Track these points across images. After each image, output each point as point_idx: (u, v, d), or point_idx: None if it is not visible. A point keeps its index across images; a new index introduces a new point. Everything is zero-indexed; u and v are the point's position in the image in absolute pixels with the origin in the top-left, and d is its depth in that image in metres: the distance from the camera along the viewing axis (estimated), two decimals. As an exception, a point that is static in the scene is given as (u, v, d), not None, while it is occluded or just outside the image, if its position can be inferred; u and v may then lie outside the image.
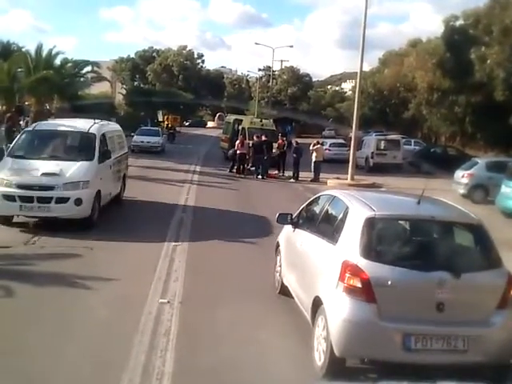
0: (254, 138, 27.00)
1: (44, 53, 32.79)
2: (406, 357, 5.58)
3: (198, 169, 27.83)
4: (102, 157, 13.14)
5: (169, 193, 18.95)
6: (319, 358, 6.08)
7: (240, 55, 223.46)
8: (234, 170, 26.80)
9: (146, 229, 12.75)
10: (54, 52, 33.34)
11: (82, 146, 13.39)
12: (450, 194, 18.85)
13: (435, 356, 5.62)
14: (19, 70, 31.09)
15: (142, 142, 35.82)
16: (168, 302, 7.99)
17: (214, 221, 14.69)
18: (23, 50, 33.47)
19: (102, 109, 42.26)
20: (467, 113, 39.65)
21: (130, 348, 6.40)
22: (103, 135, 13.74)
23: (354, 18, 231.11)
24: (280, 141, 28.23)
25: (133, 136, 36.02)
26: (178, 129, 73.45)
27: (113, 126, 16.32)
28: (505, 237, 10.39)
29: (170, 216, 14.62)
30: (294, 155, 26.51)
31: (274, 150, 27.14)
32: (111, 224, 13.05)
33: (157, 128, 41.32)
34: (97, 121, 14.47)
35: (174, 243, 11.43)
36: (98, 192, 12.62)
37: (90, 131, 13.48)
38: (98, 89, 48.44)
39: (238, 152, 26.86)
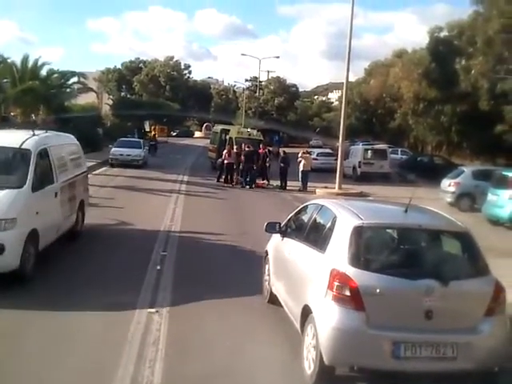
0: (245, 147, 27.02)
1: (30, 63, 32.72)
2: (396, 365, 5.58)
3: (185, 178, 27.76)
4: (40, 182, 9.81)
5: (150, 212, 17.01)
6: (309, 366, 6.07)
7: (226, 66, 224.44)
8: (222, 180, 26.80)
9: (107, 283, 9.28)
10: (39, 63, 33.33)
11: (9, 168, 10.03)
12: (437, 202, 18.97)
13: (424, 363, 5.63)
14: (5, 80, 30.96)
15: (122, 154, 32.03)
16: None
17: (203, 262, 11.40)
18: (9, 60, 33.33)
19: (88, 120, 42.19)
20: (453, 122, 40.06)
21: None
22: (44, 152, 10.41)
23: (339, 29, 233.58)
24: (261, 150, 28.22)
25: (111, 148, 33.62)
26: (165, 139, 73.58)
27: (63, 139, 12.80)
28: (491, 244, 10.49)
29: (146, 257, 11.14)
30: (282, 165, 26.57)
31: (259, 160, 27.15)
32: (55, 278, 9.42)
33: (138, 139, 37.57)
34: (38, 132, 11.21)
35: (148, 309, 8.11)
36: (33, 232, 9.20)
37: (22, 147, 10.03)
38: (85, 99, 48.18)
39: (225, 162, 26.92)
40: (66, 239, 11.56)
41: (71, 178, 11.82)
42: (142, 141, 36.32)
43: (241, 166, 26.61)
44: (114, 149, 32.94)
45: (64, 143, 12.42)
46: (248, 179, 26.24)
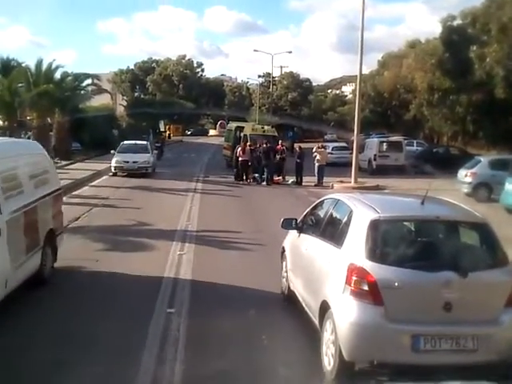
0: (262, 144, 27.06)
1: (44, 67, 33.07)
2: (416, 358, 5.55)
3: (201, 177, 27.84)
4: None
5: (166, 211, 16.94)
6: (328, 362, 6.06)
7: (238, 63, 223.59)
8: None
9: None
10: (53, 66, 33.68)
11: None
12: (454, 193, 18.77)
13: (445, 356, 5.58)
14: (20, 85, 31.27)
15: (127, 162, 27.36)
16: None
17: (220, 260, 11.20)
18: (23, 65, 33.66)
19: (103, 121, 42.48)
20: (468, 112, 39.61)
21: None
22: None
23: (349, 22, 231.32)
24: (279, 146, 28.23)
25: (113, 154, 28.53)
26: (180, 138, 73.78)
27: (19, 149, 9.38)
28: (510, 234, 10.37)
29: (164, 256, 10.86)
30: (298, 160, 26.50)
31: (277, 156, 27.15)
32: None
33: (144, 142, 31.08)
34: None
35: (168, 310, 8.02)
36: None
37: None
38: (99, 101, 48.57)
39: (240, 159, 27.00)
40: (28, 290, 8.49)
41: (31, 204, 8.62)
42: (148, 143, 31.03)
43: (256, 163, 26.64)
44: (116, 155, 28.05)
45: (19, 154, 8.89)
46: (264, 176, 26.25)
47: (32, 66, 33.14)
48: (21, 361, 6.27)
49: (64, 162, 31.53)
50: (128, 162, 27.46)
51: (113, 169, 27.48)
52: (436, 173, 25.84)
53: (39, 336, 7.06)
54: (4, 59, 32.97)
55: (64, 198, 19.31)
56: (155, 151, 31.54)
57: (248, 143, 27.69)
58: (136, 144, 29.73)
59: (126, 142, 30.38)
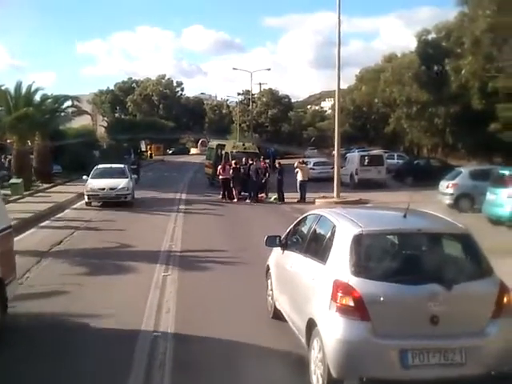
0: (249, 161, 27.15)
1: (23, 90, 32.86)
2: (405, 373, 5.50)
3: (183, 196, 27.75)
4: None
5: (150, 232, 17.01)
6: (317, 380, 6.00)
7: (218, 81, 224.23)
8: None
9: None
10: (33, 89, 33.46)
11: None
12: (436, 205, 18.96)
13: (434, 371, 5.54)
14: (-1, 108, 31.05)
15: (102, 189, 23.77)
16: None
17: (205, 281, 11.02)
18: (2, 88, 33.44)
19: (84, 143, 42.27)
20: (447, 124, 40.05)
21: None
22: None
23: (325, 38, 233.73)
24: (262, 163, 28.28)
25: (85, 180, 25.03)
26: (161, 157, 73.63)
27: None
28: (493, 244, 10.42)
29: (148, 281, 10.73)
30: (279, 177, 26.54)
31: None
32: None
33: (121, 165, 27.18)
34: None
35: (154, 333, 8.00)
36: None
37: None
38: (79, 122, 48.38)
39: (220, 177, 27.13)
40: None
41: None
42: (126, 167, 27.25)
43: (241, 180, 26.68)
44: (90, 181, 24.47)
45: None
46: (252, 194, 26.28)
47: (11, 89, 32.96)
48: None
49: (45, 185, 31.31)
50: (104, 189, 23.85)
51: (86, 198, 24.05)
52: (418, 185, 26.08)
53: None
54: (-17, 83, 32.76)
55: (47, 222, 19.53)
56: (134, 176, 27.94)
57: (233, 161, 27.70)
58: (112, 168, 26.36)
59: (100, 165, 26.84)
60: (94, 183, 24.24)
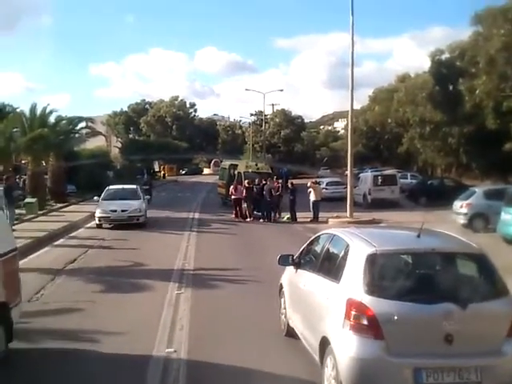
0: (261, 182, 27.28)
1: (38, 112, 33.26)
2: (419, 392, 5.47)
3: (196, 216, 27.81)
4: None
5: (163, 251, 17.37)
6: (330, 399, 5.97)
7: (230, 102, 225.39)
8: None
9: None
10: (47, 110, 33.86)
11: None
12: (451, 224, 18.84)
13: (448, 389, 5.51)
14: (15, 130, 31.44)
15: (114, 211, 23.18)
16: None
17: (219, 299, 10.96)
18: (18, 110, 33.93)
19: (98, 163, 42.62)
20: (461, 143, 39.95)
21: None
22: None
23: (338, 59, 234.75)
24: (275, 183, 28.36)
25: (97, 201, 24.74)
26: (174, 178, 73.95)
27: None
28: (509, 264, 10.34)
29: (162, 295, 11.06)
30: (291, 197, 26.54)
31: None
32: None
33: (133, 186, 26.51)
34: None
35: (166, 350, 8.04)
36: None
37: None
38: (94, 143, 48.80)
39: (233, 197, 27.26)
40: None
41: None
42: (138, 187, 26.58)
43: (255, 200, 26.77)
44: (101, 203, 23.99)
45: None
46: (266, 213, 26.32)
47: (26, 111, 33.41)
48: None
49: (59, 205, 31.55)
50: (115, 211, 23.22)
51: (97, 220, 23.28)
52: (431, 205, 25.97)
53: None
54: (-1, 105, 33.33)
55: (61, 240, 19.67)
56: (147, 196, 27.46)
57: (246, 181, 27.80)
58: (124, 189, 25.77)
59: (111, 186, 26.37)
60: (105, 205, 23.67)
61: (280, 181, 31.19)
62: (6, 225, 8.44)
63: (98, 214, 23.28)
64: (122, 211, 23.20)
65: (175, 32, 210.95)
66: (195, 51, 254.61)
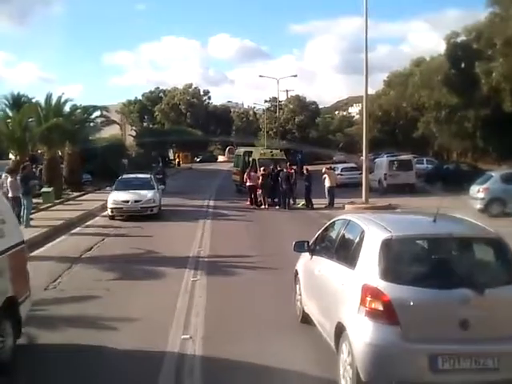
0: (276, 169, 27.17)
1: (53, 101, 33.40)
2: (434, 378, 5.45)
3: (211, 203, 27.86)
4: None
5: (178, 238, 17.84)
6: (346, 384, 5.98)
7: (244, 89, 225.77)
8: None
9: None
10: (62, 100, 33.99)
11: None
12: (467, 209, 18.70)
13: (464, 375, 5.48)
14: (30, 119, 31.61)
15: (126, 201, 22.11)
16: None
17: (234, 285, 11.10)
18: (33, 100, 34.09)
19: (113, 152, 42.79)
20: (477, 127, 39.55)
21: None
22: None
23: (351, 44, 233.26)
24: (289, 170, 28.27)
25: (109, 192, 24.10)
26: (189, 165, 74.05)
27: None
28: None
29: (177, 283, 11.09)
30: (306, 183, 26.45)
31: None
32: None
33: (147, 175, 25.59)
34: None
35: (182, 336, 8.10)
36: None
37: None
38: (108, 132, 49.01)
39: (247, 184, 27.22)
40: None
41: None
42: (152, 176, 25.64)
43: (270, 188, 26.71)
44: (113, 194, 22.91)
45: None
46: (281, 200, 26.25)
47: (42, 100, 33.60)
48: None
49: (75, 194, 31.76)
50: (128, 201, 22.12)
51: (109, 211, 22.23)
52: (447, 190, 25.77)
53: None
54: (15, 95, 33.47)
55: (77, 229, 19.79)
56: (161, 186, 26.28)
57: (262, 167, 27.73)
58: (137, 178, 24.79)
59: (124, 176, 25.49)
60: (117, 195, 22.55)
61: (294, 167, 31.09)
62: (12, 217, 8.12)
63: (109, 204, 22.22)
64: (135, 202, 22.15)
65: (187, 19, 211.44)
66: (208, 38, 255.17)
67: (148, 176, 25.40)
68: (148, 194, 22.66)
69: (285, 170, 27.09)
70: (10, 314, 7.11)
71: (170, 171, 48.96)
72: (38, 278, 11.74)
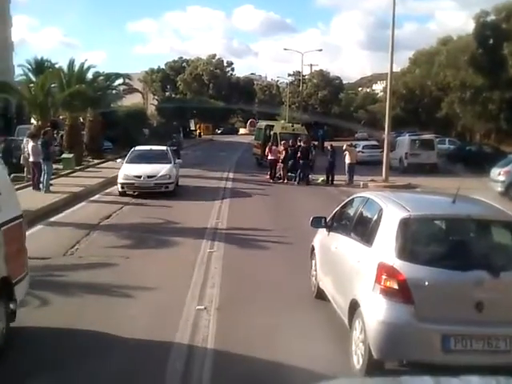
0: (302, 143, 26.97)
1: (76, 68, 33.42)
2: (446, 358, 5.48)
3: (230, 175, 27.89)
4: None
5: (196, 210, 18.17)
6: (357, 361, 6.04)
7: (268, 62, 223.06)
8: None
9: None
10: (85, 66, 33.99)
11: None
12: (487, 192, 18.48)
13: (476, 357, 5.50)
14: (53, 85, 31.72)
15: (139, 177, 19.88)
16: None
17: (250, 258, 11.13)
18: (56, 66, 34.14)
19: (134, 120, 42.90)
20: (502, 109, 38.99)
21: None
22: None
23: (378, 20, 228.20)
24: (307, 144, 28.01)
25: (121, 163, 22.20)
26: (210, 137, 74.09)
27: None
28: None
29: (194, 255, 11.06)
30: (330, 159, 26.26)
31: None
32: None
33: (163, 148, 23.15)
34: None
35: (197, 307, 8.11)
36: None
37: None
38: (130, 100, 49.08)
39: (268, 158, 27.14)
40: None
41: None
42: (168, 149, 22.95)
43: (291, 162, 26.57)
44: (125, 167, 20.71)
45: None
46: (301, 175, 26.10)
47: (64, 66, 33.61)
48: None
49: (96, 161, 32.00)
50: (140, 176, 19.89)
51: (119, 187, 20.02)
52: (468, 171, 25.49)
53: None
54: (38, 60, 33.52)
55: (97, 196, 19.92)
56: (178, 160, 23.80)
57: (283, 142, 27.58)
58: (151, 150, 22.70)
59: (137, 147, 23.01)
60: (128, 169, 20.28)
61: (315, 142, 30.84)
62: (9, 188, 7.32)
63: (120, 179, 20.01)
64: (148, 177, 19.91)
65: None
66: (233, 9, 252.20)
67: (164, 148, 23.09)
68: (163, 168, 20.37)
69: (303, 145, 26.85)
70: (3, 295, 6.50)
71: (190, 142, 49.04)
72: (57, 244, 11.98)
